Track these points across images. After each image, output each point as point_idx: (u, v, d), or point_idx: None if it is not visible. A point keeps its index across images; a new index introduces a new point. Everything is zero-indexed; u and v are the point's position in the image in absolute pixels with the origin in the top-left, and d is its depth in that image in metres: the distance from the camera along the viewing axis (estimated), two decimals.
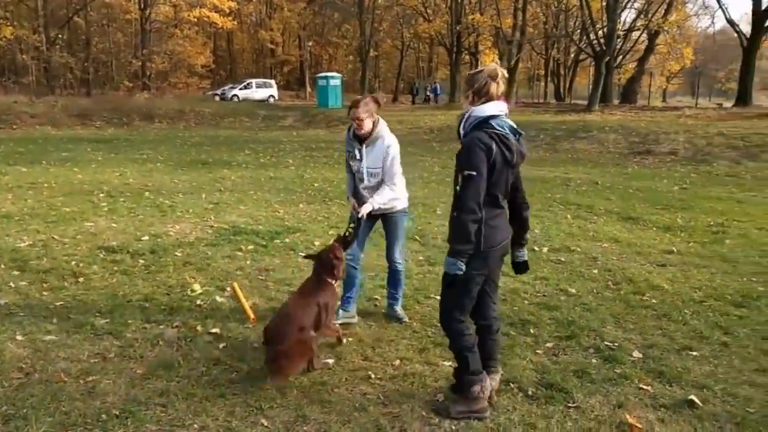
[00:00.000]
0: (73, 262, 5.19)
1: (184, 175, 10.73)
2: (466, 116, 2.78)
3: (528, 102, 34.42)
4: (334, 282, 3.55)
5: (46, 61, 31.57)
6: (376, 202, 3.85)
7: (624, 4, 28.43)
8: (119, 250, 5.61)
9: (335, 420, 2.86)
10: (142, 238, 6.08)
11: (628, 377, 3.33)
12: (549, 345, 3.78)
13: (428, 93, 39.33)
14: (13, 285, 4.57)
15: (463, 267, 2.72)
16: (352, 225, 3.85)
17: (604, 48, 24.94)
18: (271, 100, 38.43)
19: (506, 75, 2.83)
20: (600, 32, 26.61)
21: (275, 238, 6.26)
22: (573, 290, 4.85)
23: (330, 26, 51.00)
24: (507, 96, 23.76)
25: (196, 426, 2.78)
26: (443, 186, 10.21)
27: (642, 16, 30.13)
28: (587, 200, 9.02)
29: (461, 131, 2.79)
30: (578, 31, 33.34)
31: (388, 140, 3.84)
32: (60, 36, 34.50)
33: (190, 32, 40.70)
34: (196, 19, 38.07)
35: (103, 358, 3.43)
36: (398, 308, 4.23)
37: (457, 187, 2.69)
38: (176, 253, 5.58)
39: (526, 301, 4.58)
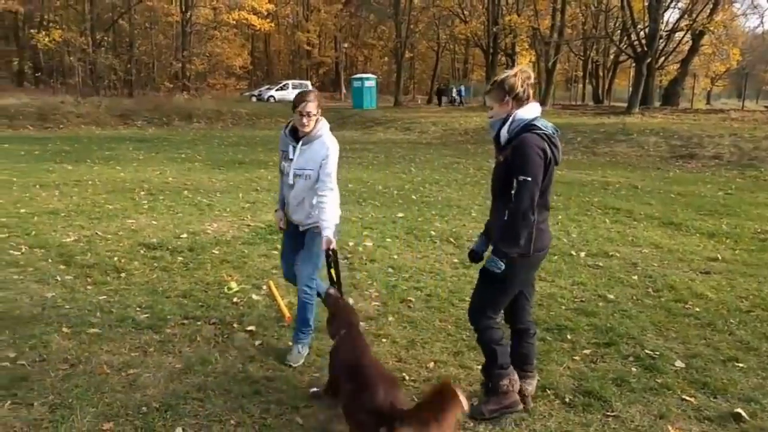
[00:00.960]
0: (116, 258, 5.34)
1: (222, 175, 10.93)
2: (510, 120, 2.75)
3: (565, 104, 33.80)
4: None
5: (91, 63, 32.59)
6: (330, 222, 3.24)
7: (667, 4, 27.71)
8: (159, 247, 5.75)
9: None
10: (181, 236, 6.22)
11: (670, 387, 3.24)
12: (587, 352, 3.70)
13: (454, 95, 39.15)
14: (59, 279, 4.73)
15: (503, 266, 2.74)
16: (331, 271, 3.24)
17: (646, 49, 24.33)
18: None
19: (533, 76, 2.85)
20: (641, 33, 25.97)
21: None
22: (611, 296, 4.74)
23: (366, 28, 51.23)
24: (544, 98, 23.31)
25: (232, 422, 2.82)
26: (478, 188, 10.12)
27: (686, 16, 29.26)
28: (626, 204, 8.81)
29: (506, 135, 2.76)
30: (618, 31, 32.64)
31: (329, 143, 3.32)
32: (105, 38, 35.63)
33: (229, 34, 41.43)
34: (234, 22, 38.73)
35: (143, 352, 3.51)
36: (295, 348, 3.47)
37: (512, 192, 2.70)
38: (214, 251, 5.68)
39: (563, 307, 4.49)
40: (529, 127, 2.72)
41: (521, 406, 2.93)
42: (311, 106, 3.25)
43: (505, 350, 2.94)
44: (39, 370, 3.21)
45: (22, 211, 7.13)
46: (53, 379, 3.11)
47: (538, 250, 2.82)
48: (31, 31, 34.34)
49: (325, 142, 3.33)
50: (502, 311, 3.02)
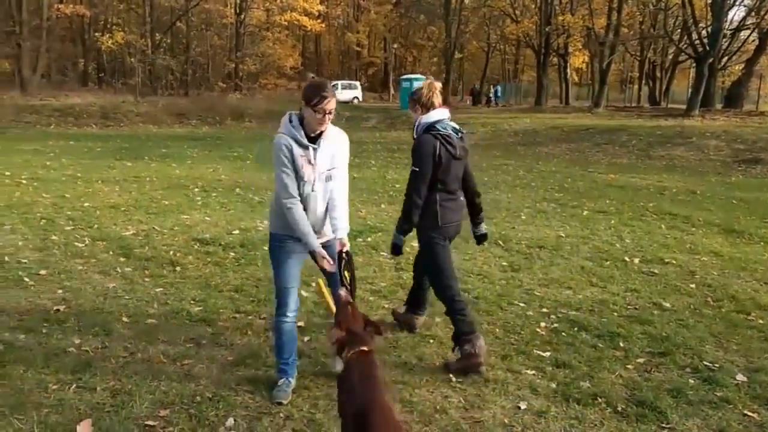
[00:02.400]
0: (171, 252, 5.54)
1: (273, 173, 11.15)
2: (416, 123, 3.43)
3: (619, 106, 32.79)
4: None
5: (150, 64, 33.88)
6: (345, 222, 2.99)
7: (732, 1, 26.50)
8: (212, 243, 5.92)
9: (416, 420, 2.86)
10: (233, 232, 6.38)
11: (731, 402, 3.10)
12: (640, 360, 3.59)
13: (490, 95, 38.74)
14: (119, 270, 4.95)
15: (401, 240, 3.50)
16: (345, 273, 2.90)
17: (708, 48, 23.32)
18: (356, 101, 39.10)
19: (441, 87, 3.51)
20: (703, 32, 24.92)
21: (358, 237, 6.36)
22: (667, 304, 4.58)
23: (415, 28, 51.17)
24: (598, 100, 22.69)
25: (281, 415, 2.88)
26: (527, 191, 9.96)
27: (753, 13, 27.88)
28: (684, 210, 8.48)
29: (414, 135, 3.45)
30: (678, 30, 31.42)
31: (337, 130, 2.99)
32: (164, 40, 36.94)
33: (281, 35, 42.26)
34: (286, 23, 39.48)
35: (197, 343, 3.63)
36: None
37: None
38: (264, 248, 5.78)
39: (615, 313, 4.37)
40: (429, 128, 3.36)
41: (483, 368, 3.34)
42: (333, 104, 2.82)
43: (467, 320, 3.42)
44: (101, 357, 3.37)
45: (86, 205, 7.49)
46: (114, 366, 3.26)
47: (446, 223, 3.45)
48: (96, 34, 36.00)
49: (335, 131, 2.97)
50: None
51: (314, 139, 2.90)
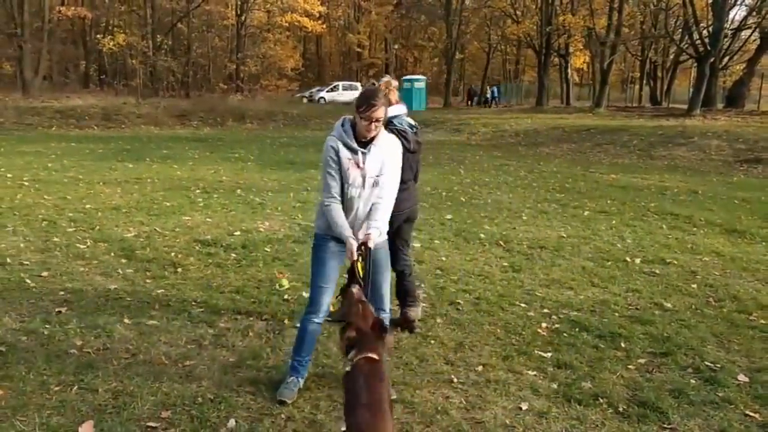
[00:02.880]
0: (173, 253, 5.55)
1: (273, 174, 11.17)
2: None
3: (620, 106, 32.75)
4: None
5: (152, 66, 33.94)
6: (381, 224, 2.97)
7: (733, 1, 26.47)
8: (213, 244, 5.93)
9: (417, 421, 2.86)
10: (234, 233, 6.39)
11: (732, 402, 3.10)
12: (642, 361, 3.59)
13: (488, 96, 38.76)
14: (121, 272, 4.95)
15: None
16: (359, 267, 2.83)
17: (709, 48, 23.30)
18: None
19: (397, 84, 3.74)
20: (704, 31, 24.89)
21: None
22: (669, 305, 4.58)
23: (416, 29, 51.22)
24: (599, 100, 22.75)
25: (283, 416, 2.88)
26: (529, 191, 9.96)
27: (754, 13, 27.84)
28: (686, 210, 8.47)
29: None
30: (679, 30, 31.39)
31: (392, 138, 3.08)
32: (165, 42, 37.00)
33: (282, 36, 42.32)
34: (287, 24, 39.52)
35: (198, 344, 3.64)
36: None
37: None
38: (266, 249, 5.82)
39: (616, 314, 4.37)
40: (386, 124, 3.28)
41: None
42: (381, 112, 2.87)
43: (412, 287, 4.00)
44: (103, 358, 3.37)
45: (88, 206, 7.50)
46: (116, 367, 3.27)
47: (399, 211, 3.46)
48: (97, 36, 36.08)
49: (389, 138, 3.07)
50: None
51: (365, 144, 2.96)
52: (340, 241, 2.99)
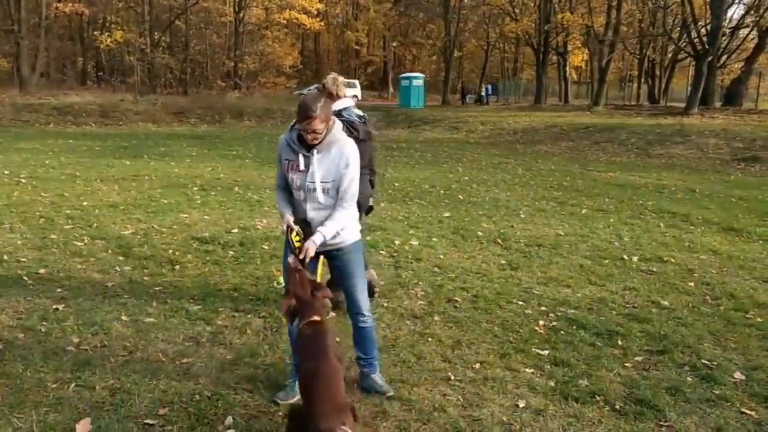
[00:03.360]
0: (170, 251, 5.54)
1: (271, 172, 11.11)
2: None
3: (618, 104, 32.77)
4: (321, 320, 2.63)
5: (149, 62, 33.85)
6: (326, 231, 2.80)
7: None
8: (211, 241, 5.92)
9: (415, 418, 2.87)
10: (232, 231, 6.38)
11: (729, 399, 3.11)
12: (639, 359, 3.60)
13: (481, 94, 38.94)
14: (118, 269, 4.95)
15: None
16: (294, 240, 2.83)
17: (707, 47, 23.31)
18: (355, 99, 39.08)
19: (343, 79, 3.99)
20: (702, 30, 24.89)
21: None
22: (666, 303, 4.59)
23: (414, 26, 51.13)
24: (597, 98, 22.75)
25: (280, 413, 2.88)
26: (527, 189, 9.97)
27: (752, 11, 27.86)
28: (683, 208, 8.49)
29: None
30: (678, 29, 31.39)
31: (348, 146, 2.85)
32: (163, 39, 36.90)
33: (280, 33, 42.19)
34: (285, 21, 39.41)
35: (196, 342, 3.63)
36: (376, 377, 3.11)
37: None
38: (263, 246, 5.81)
39: (614, 312, 4.38)
40: (337, 115, 3.47)
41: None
42: (314, 124, 2.71)
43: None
44: (100, 356, 3.37)
45: (85, 203, 7.49)
46: (113, 365, 3.26)
47: None
48: (95, 32, 35.96)
49: (345, 148, 2.83)
50: None
51: (311, 147, 2.81)
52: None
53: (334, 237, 2.88)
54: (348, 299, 3.10)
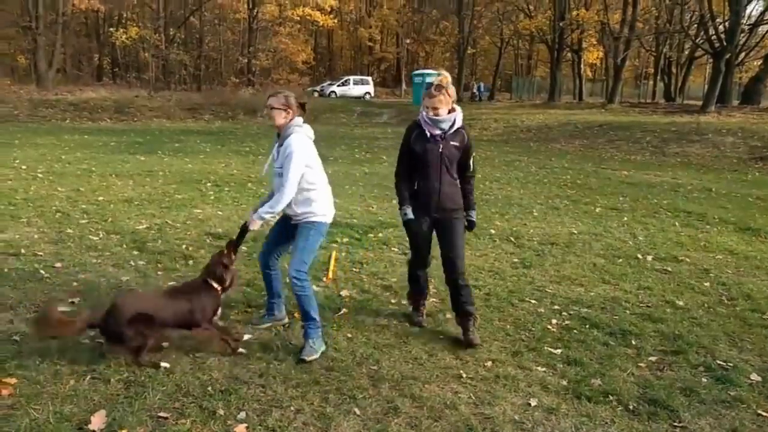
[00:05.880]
0: (184, 246, 5.58)
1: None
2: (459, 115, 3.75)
3: (633, 102, 32.42)
4: (218, 286, 3.46)
5: (164, 59, 34.10)
6: (262, 212, 3.50)
7: None
8: (224, 237, 5.93)
9: (426, 415, 2.87)
10: None
11: (744, 401, 3.07)
12: (653, 359, 3.57)
13: (474, 91, 39.14)
14: (133, 264, 5.00)
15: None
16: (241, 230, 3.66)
17: (725, 44, 22.98)
18: (368, 96, 39.12)
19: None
20: (720, 27, 24.55)
21: (369, 233, 6.37)
22: (681, 303, 4.54)
23: (428, 23, 50.94)
24: (612, 95, 22.42)
25: (292, 408, 2.89)
26: (539, 187, 9.91)
27: None
28: (699, 208, 8.39)
29: (459, 125, 3.77)
30: (695, 26, 30.97)
31: (293, 140, 3.46)
32: (177, 35, 37.14)
33: (293, 30, 42.28)
34: (299, 18, 39.48)
35: (209, 336, 3.65)
36: (308, 342, 3.43)
37: (471, 164, 3.88)
38: None
39: (627, 311, 4.34)
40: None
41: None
42: (272, 101, 3.49)
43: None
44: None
45: (100, 198, 7.57)
46: (128, 358, 3.29)
47: None
48: (110, 29, 36.29)
49: (290, 143, 3.44)
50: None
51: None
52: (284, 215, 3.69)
53: (297, 215, 3.56)
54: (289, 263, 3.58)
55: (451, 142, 3.70)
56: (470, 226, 3.89)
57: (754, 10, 30.38)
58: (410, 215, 3.78)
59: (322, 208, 3.58)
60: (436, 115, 3.64)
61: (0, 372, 3.06)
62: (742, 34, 25.36)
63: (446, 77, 3.66)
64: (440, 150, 3.69)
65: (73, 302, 4.06)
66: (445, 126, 3.67)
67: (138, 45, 35.34)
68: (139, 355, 3.18)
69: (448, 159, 3.70)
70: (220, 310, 3.54)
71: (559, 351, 3.61)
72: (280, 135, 3.54)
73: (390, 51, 52.08)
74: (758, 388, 3.22)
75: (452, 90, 3.66)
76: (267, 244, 3.86)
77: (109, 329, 3.17)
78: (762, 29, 29.50)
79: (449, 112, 3.68)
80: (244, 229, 3.60)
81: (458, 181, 3.80)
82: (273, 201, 3.49)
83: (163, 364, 3.21)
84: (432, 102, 3.62)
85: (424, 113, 3.69)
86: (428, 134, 3.69)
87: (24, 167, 9.76)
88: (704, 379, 3.32)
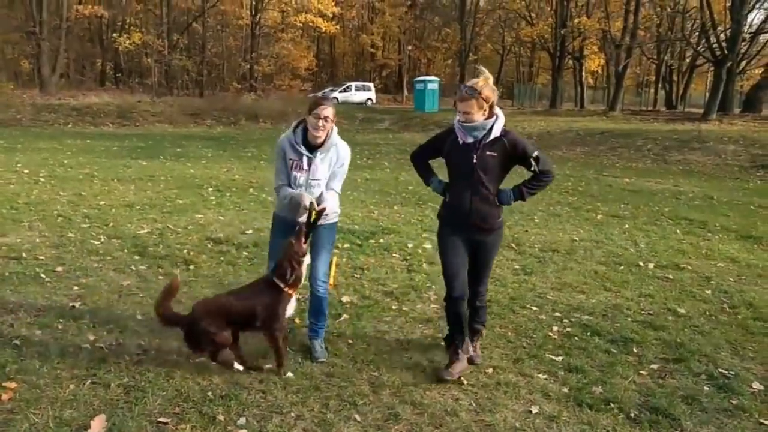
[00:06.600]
0: (185, 251, 5.58)
1: None
2: (498, 121, 3.35)
3: (635, 110, 32.46)
4: (284, 287, 3.24)
5: (167, 64, 34.18)
6: (330, 202, 3.36)
7: (752, 4, 26.11)
8: (225, 242, 5.96)
9: (427, 422, 2.86)
10: (246, 232, 6.42)
11: (747, 410, 3.06)
12: (654, 367, 3.55)
13: None
14: (134, 268, 5.00)
15: None
16: (315, 211, 3.28)
17: (727, 52, 23.03)
18: (369, 103, 39.20)
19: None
20: (722, 35, 24.59)
21: (370, 239, 6.37)
22: (682, 311, 4.53)
23: (430, 30, 51.13)
24: (613, 103, 22.33)
25: (292, 414, 2.88)
26: (541, 193, 9.88)
27: None
28: (700, 215, 8.38)
29: (498, 133, 3.37)
30: (696, 34, 31.05)
31: (344, 151, 3.44)
32: (180, 41, 37.25)
33: (295, 36, 42.42)
34: (301, 24, 39.58)
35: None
36: (318, 343, 3.53)
37: (535, 166, 3.49)
38: None
39: (629, 319, 4.33)
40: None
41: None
42: (327, 110, 3.25)
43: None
44: (115, 353, 3.40)
45: (102, 203, 7.58)
46: (128, 363, 3.29)
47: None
48: (114, 34, 36.42)
49: (340, 150, 3.40)
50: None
51: (314, 149, 3.33)
52: (291, 222, 3.38)
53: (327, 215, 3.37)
54: (312, 268, 3.48)
55: (488, 152, 3.25)
56: (499, 197, 3.40)
57: (755, 18, 30.47)
58: (441, 182, 3.55)
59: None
60: (468, 121, 3.22)
61: (0, 376, 3.05)
62: (744, 43, 25.39)
63: (485, 79, 3.20)
64: (474, 161, 3.26)
65: (73, 306, 4.06)
66: (479, 134, 3.24)
67: (141, 50, 35.41)
68: (215, 357, 3.19)
69: (483, 171, 3.26)
70: (291, 310, 3.36)
71: (560, 358, 3.60)
72: (321, 145, 3.34)
73: (392, 58, 52.18)
74: (760, 397, 3.21)
75: (489, 92, 3.17)
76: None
77: (186, 332, 3.19)
78: (763, 38, 29.51)
79: (488, 118, 3.25)
80: (318, 215, 3.28)
81: (495, 197, 3.36)
82: (333, 198, 3.43)
83: (267, 366, 3.29)
84: (462, 106, 3.20)
85: (457, 118, 3.32)
86: (461, 142, 3.31)
87: (26, 171, 9.78)
88: (706, 388, 3.30)
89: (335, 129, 3.42)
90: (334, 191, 3.42)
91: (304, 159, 3.33)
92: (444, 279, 3.42)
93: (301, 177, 3.34)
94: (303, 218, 3.29)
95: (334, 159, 3.38)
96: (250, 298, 3.24)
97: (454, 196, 3.40)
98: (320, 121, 3.23)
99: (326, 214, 3.31)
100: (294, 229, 3.32)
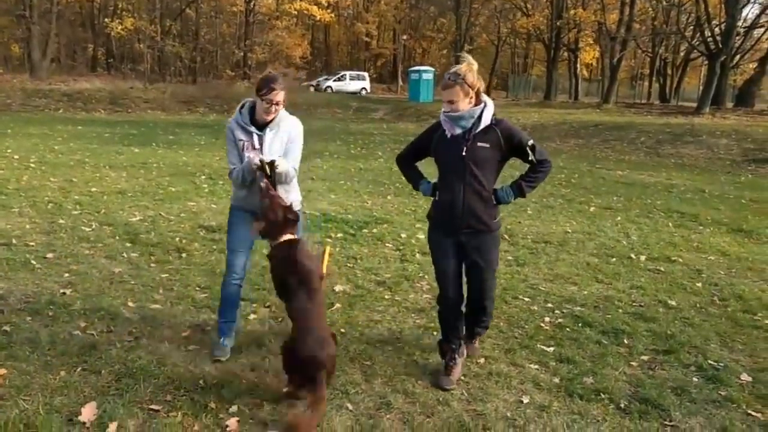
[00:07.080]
0: (177, 238, 5.56)
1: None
2: (486, 109, 3.13)
3: (629, 103, 32.54)
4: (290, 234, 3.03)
5: (159, 50, 33.86)
6: (286, 165, 3.16)
7: None
8: (217, 230, 5.93)
9: (418, 411, 2.87)
10: None
11: (735, 401, 3.09)
12: (644, 358, 3.58)
13: None
14: (125, 255, 4.97)
15: None
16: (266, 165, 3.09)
17: (721, 46, 23.08)
18: (364, 92, 39.05)
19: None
20: (716, 29, 24.64)
21: (363, 228, 6.37)
22: (673, 303, 4.56)
23: (425, 20, 50.88)
24: (607, 96, 22.49)
25: (284, 402, 2.88)
26: None
27: (767, 11, 27.54)
28: (692, 209, 8.43)
29: (488, 122, 3.14)
30: (691, 27, 31.09)
31: (294, 121, 3.30)
32: (173, 27, 36.88)
33: (290, 24, 42.11)
34: (296, 12, 39.33)
35: (201, 329, 3.64)
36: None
37: (531, 155, 3.33)
38: None
39: (620, 310, 4.36)
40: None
41: None
42: (281, 96, 3.10)
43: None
44: (106, 341, 3.38)
45: (93, 190, 7.52)
46: (119, 350, 3.28)
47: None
48: (106, 19, 36.00)
49: (291, 127, 3.25)
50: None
51: (262, 127, 3.20)
52: (249, 210, 3.23)
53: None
54: None
55: (479, 144, 2.99)
56: (497, 196, 3.17)
57: (749, 12, 30.52)
58: (430, 183, 3.23)
59: (298, 191, 3.48)
60: (454, 110, 2.98)
61: None
62: (738, 37, 25.47)
63: (468, 64, 2.97)
64: (462, 153, 3.00)
65: (64, 293, 4.03)
66: (467, 123, 2.99)
67: (133, 36, 35.03)
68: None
69: (474, 164, 3.00)
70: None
71: (551, 349, 3.62)
72: (271, 121, 3.19)
73: (387, 47, 51.96)
74: (748, 388, 3.24)
75: (473, 79, 2.94)
76: (243, 253, 3.36)
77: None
78: (757, 32, 29.64)
79: (475, 106, 3.01)
80: (271, 168, 3.09)
81: (491, 193, 3.12)
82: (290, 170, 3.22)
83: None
84: (447, 94, 2.96)
85: (443, 109, 3.07)
86: (448, 135, 3.05)
87: (16, 157, 9.67)
88: (695, 379, 3.33)
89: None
90: (291, 168, 3.26)
91: (255, 137, 3.19)
92: (437, 283, 3.31)
93: (252, 157, 3.19)
94: (263, 182, 3.08)
95: (285, 138, 3.23)
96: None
97: (445, 194, 3.10)
98: (272, 106, 3.11)
99: (277, 165, 3.09)
100: (252, 217, 3.19)
